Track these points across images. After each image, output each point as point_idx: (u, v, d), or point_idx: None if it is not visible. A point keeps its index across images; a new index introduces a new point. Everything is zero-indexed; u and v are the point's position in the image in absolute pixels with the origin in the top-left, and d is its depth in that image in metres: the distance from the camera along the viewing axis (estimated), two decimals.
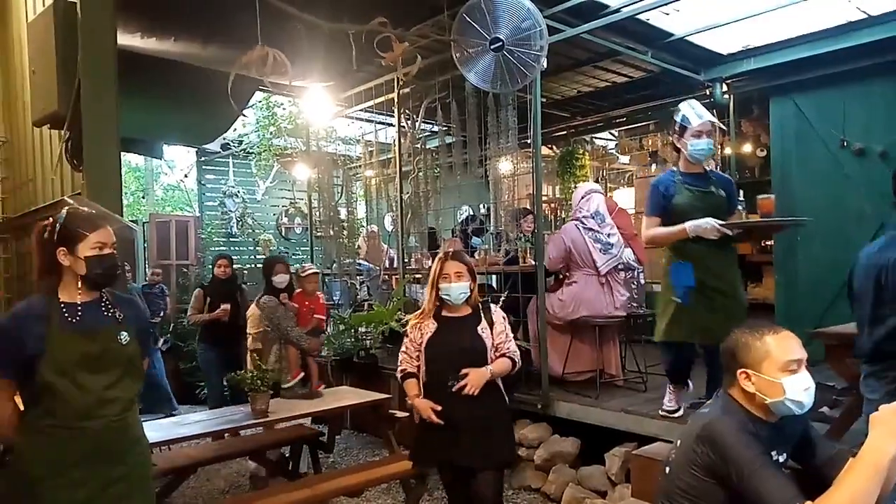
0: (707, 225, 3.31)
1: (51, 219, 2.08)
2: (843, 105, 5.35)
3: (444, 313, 2.90)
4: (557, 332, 4.73)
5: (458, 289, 2.83)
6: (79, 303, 2.05)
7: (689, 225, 3.35)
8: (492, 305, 3.01)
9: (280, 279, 4.39)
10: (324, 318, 4.62)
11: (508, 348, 2.89)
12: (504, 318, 2.98)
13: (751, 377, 1.79)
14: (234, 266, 6.05)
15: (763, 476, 1.65)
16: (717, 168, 6.80)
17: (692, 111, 3.46)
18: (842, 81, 5.31)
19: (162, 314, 7.45)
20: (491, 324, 2.89)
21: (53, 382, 1.93)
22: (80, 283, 2.05)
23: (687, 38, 5.46)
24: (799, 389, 1.75)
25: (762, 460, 1.68)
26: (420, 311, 2.99)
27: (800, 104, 5.64)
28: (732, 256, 3.58)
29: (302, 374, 4.23)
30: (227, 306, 5.46)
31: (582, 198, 4.89)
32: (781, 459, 1.85)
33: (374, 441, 5.43)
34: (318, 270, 4.78)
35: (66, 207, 2.09)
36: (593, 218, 4.76)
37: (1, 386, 1.97)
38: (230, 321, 5.44)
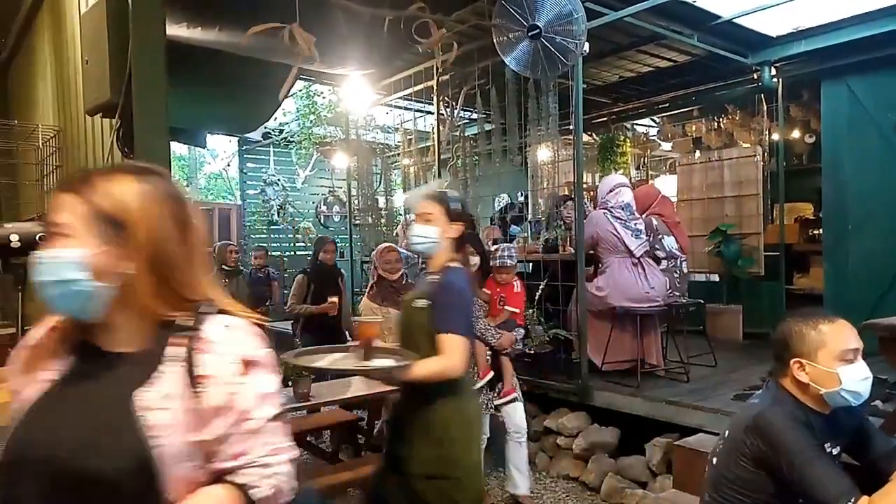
0: None
1: None
2: None
3: None
4: (598, 321, 4.69)
5: None
6: None
7: None
8: None
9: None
10: (518, 310, 3.93)
11: None
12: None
13: (805, 367, 1.74)
14: (274, 254, 5.99)
15: (816, 468, 1.61)
16: (764, 155, 6.64)
17: None
18: None
19: (268, 302, 6.78)
20: None
21: None
22: None
23: (734, 20, 5.29)
24: (856, 379, 1.69)
25: (815, 452, 1.64)
26: None
27: (853, 87, 5.43)
28: None
29: (492, 373, 3.72)
30: (334, 300, 5.04)
31: (610, 191, 4.83)
32: (835, 452, 1.80)
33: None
34: (513, 264, 3.97)
35: None
36: (623, 209, 4.71)
37: None
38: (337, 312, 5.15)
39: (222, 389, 0.96)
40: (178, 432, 0.93)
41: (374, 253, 4.33)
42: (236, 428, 0.95)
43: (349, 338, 4.54)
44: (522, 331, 3.98)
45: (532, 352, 4.45)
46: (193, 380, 0.95)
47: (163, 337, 0.98)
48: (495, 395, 3.75)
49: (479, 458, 2.30)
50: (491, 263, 3.93)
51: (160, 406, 0.93)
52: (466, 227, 2.34)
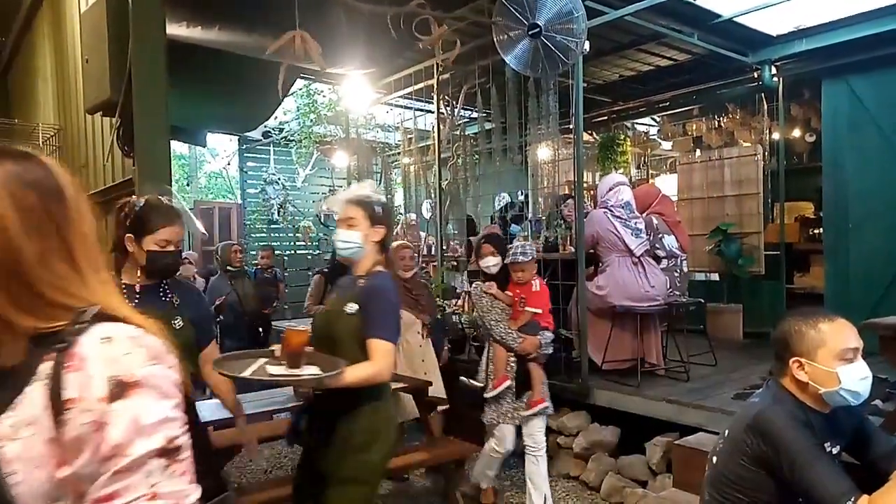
0: None
1: (132, 198, 2.12)
2: None
3: None
4: (598, 319, 4.69)
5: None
6: (137, 286, 2.09)
7: None
8: None
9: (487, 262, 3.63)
10: (540, 310, 3.50)
11: None
12: None
13: (804, 366, 1.74)
14: (276, 253, 5.91)
15: (816, 467, 1.60)
16: (765, 154, 6.63)
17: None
18: None
19: (275, 304, 6.52)
20: None
21: None
22: (139, 270, 2.10)
23: (735, 18, 5.29)
24: (855, 379, 1.69)
25: (815, 451, 1.64)
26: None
27: (854, 87, 5.43)
28: None
29: (509, 381, 3.43)
30: None
31: (610, 189, 4.83)
32: (835, 451, 1.80)
33: (414, 426, 5.48)
34: (527, 260, 3.52)
35: (146, 196, 2.11)
36: (623, 208, 4.71)
37: None
38: None
39: (87, 417, 0.77)
40: (38, 467, 0.77)
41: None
42: (105, 465, 0.76)
43: None
44: (549, 334, 3.52)
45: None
46: (59, 404, 0.77)
47: (37, 353, 0.81)
48: (524, 404, 3.41)
49: (387, 464, 2.29)
50: (505, 261, 3.59)
51: (14, 436, 0.77)
52: (388, 232, 2.32)
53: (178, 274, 2.25)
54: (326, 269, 5.23)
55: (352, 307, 2.17)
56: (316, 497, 2.16)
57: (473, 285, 3.51)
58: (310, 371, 2.00)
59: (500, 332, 3.40)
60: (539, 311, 3.45)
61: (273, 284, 6.75)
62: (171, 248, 2.08)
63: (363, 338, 2.13)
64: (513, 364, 3.41)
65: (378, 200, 2.30)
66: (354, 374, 2.04)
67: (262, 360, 2.06)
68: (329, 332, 2.22)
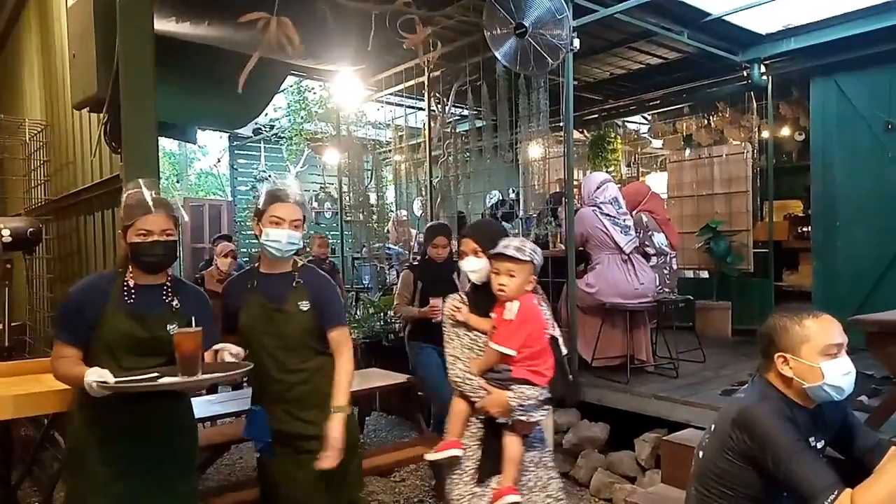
0: None
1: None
2: (890, 86, 5.18)
3: None
4: (588, 317, 4.71)
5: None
6: (132, 284, 2.04)
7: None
8: None
9: None
10: (511, 352, 2.10)
11: None
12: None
13: (789, 361, 1.75)
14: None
15: (801, 462, 1.62)
16: (754, 152, 6.67)
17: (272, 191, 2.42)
18: (889, 61, 5.13)
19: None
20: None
21: (99, 360, 1.95)
22: (131, 266, 2.06)
23: (724, 17, 5.31)
24: (838, 374, 1.70)
25: (800, 446, 1.65)
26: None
27: (842, 85, 5.47)
28: None
29: (456, 451, 2.54)
30: (437, 302, 3.81)
31: (597, 188, 4.85)
32: (819, 446, 1.82)
33: (403, 423, 5.49)
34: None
35: (126, 191, 2.07)
36: (611, 204, 4.73)
37: (66, 353, 1.98)
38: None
39: None
40: None
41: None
42: None
43: None
44: (533, 391, 2.12)
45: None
46: None
47: None
48: (489, 491, 2.13)
49: None
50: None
51: None
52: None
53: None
54: (416, 263, 4.58)
55: (304, 304, 2.30)
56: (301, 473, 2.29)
57: (449, 297, 2.30)
58: (205, 378, 1.93)
59: (454, 375, 2.19)
60: (509, 351, 2.08)
61: (331, 276, 6.59)
62: (156, 237, 2.00)
63: (325, 330, 2.31)
64: (479, 427, 2.18)
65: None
66: (348, 379, 2.30)
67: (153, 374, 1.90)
68: (279, 332, 2.30)
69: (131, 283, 2.04)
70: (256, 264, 2.45)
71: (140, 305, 2.02)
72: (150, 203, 2.00)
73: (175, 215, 2.08)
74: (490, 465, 2.14)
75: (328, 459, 2.21)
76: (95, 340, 1.98)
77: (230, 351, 2.07)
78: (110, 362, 1.94)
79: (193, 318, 1.99)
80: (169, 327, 1.99)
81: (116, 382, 1.83)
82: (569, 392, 2.47)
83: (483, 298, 2.18)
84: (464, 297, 2.26)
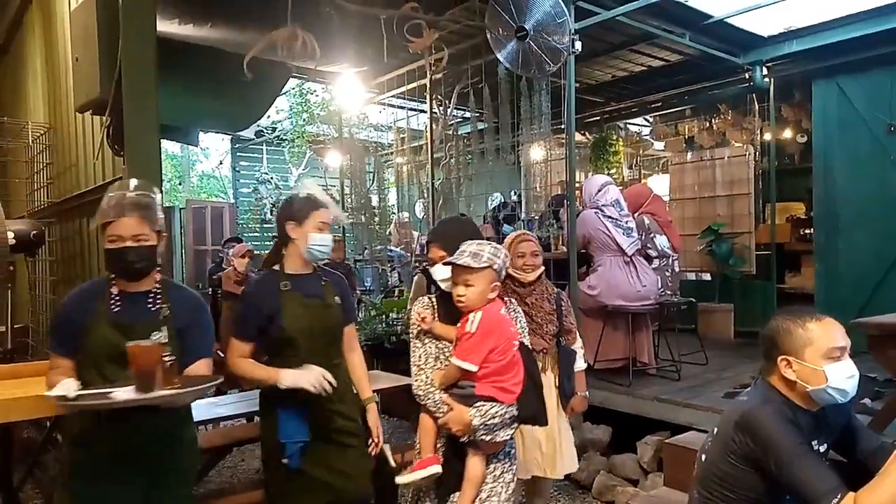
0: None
1: None
2: (891, 88, 5.17)
3: None
4: (590, 319, 4.70)
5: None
6: (116, 292, 1.94)
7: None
8: None
9: None
10: (472, 367, 1.96)
11: None
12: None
13: (792, 364, 1.74)
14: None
15: (803, 465, 1.61)
16: (756, 154, 6.67)
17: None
18: (890, 63, 5.13)
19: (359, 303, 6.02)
20: None
21: (84, 371, 1.89)
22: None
23: (726, 19, 5.31)
24: (842, 377, 1.70)
25: (803, 449, 1.65)
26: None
27: (844, 87, 5.46)
28: None
29: (434, 467, 2.26)
30: None
31: (599, 190, 4.84)
32: (822, 449, 1.81)
33: (404, 425, 5.48)
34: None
35: (107, 192, 1.97)
36: (613, 207, 4.73)
37: (59, 364, 1.91)
38: None
39: None
40: None
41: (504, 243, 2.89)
42: None
43: None
44: (496, 409, 1.96)
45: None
46: None
47: None
48: None
49: None
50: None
51: None
52: None
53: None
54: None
55: (336, 299, 2.36)
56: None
57: (417, 302, 2.20)
58: (164, 394, 1.74)
59: (417, 388, 2.08)
60: (470, 366, 1.94)
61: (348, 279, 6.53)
62: (127, 243, 1.87)
63: (344, 326, 2.41)
64: (442, 443, 2.07)
65: None
66: (366, 376, 2.48)
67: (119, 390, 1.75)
68: (318, 330, 2.29)
69: (115, 290, 1.94)
70: (276, 266, 2.34)
71: (125, 314, 1.92)
72: (123, 205, 1.89)
73: (153, 218, 1.93)
74: (452, 482, 2.03)
75: (376, 447, 2.41)
76: (83, 351, 1.89)
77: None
78: (94, 373, 1.87)
79: (176, 329, 1.93)
80: (152, 336, 1.85)
81: (75, 398, 1.74)
82: (542, 410, 2.11)
83: (453, 305, 2.02)
84: (433, 300, 2.14)
